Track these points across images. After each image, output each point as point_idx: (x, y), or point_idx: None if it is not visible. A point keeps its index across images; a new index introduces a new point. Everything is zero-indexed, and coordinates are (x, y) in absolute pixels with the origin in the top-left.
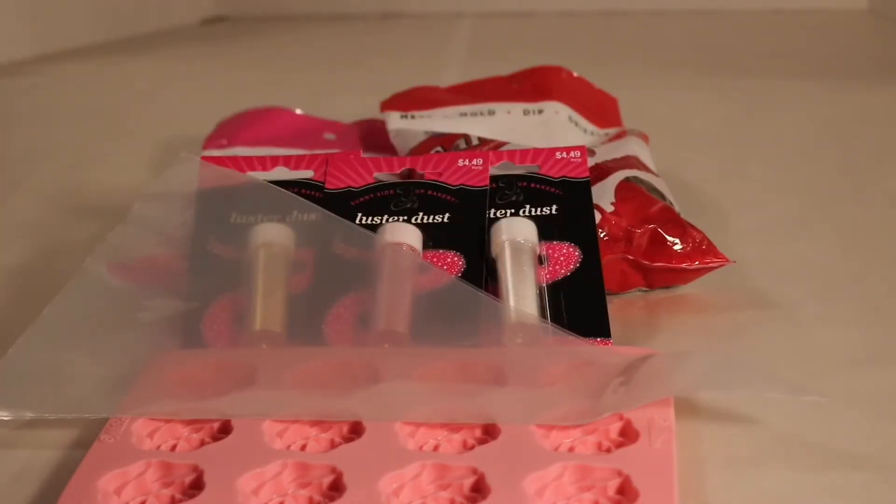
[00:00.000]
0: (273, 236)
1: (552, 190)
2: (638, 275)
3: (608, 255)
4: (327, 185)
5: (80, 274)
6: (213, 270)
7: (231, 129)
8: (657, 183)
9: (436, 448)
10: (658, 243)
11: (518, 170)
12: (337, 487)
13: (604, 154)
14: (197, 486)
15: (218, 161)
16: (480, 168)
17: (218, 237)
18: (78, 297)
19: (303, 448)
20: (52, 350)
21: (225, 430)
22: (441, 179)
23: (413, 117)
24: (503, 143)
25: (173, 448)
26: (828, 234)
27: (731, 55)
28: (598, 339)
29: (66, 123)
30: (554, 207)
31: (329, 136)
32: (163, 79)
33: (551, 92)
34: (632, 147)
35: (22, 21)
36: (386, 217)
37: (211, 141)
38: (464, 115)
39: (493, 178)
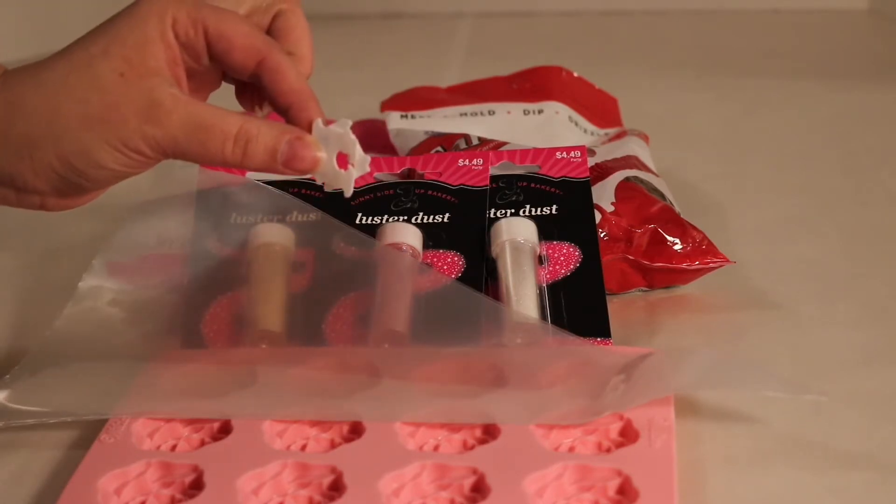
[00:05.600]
0: (273, 236)
1: (552, 190)
2: (638, 275)
3: (608, 255)
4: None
5: (87, 276)
6: (213, 270)
7: None
8: (657, 183)
9: (436, 448)
10: (658, 243)
11: (518, 170)
12: (337, 487)
13: (604, 154)
14: (197, 486)
15: None
16: (480, 168)
17: (218, 237)
18: (84, 304)
19: (303, 448)
20: (56, 356)
21: (225, 430)
22: (441, 179)
23: (413, 117)
24: (503, 143)
25: (173, 448)
26: (828, 234)
27: (731, 55)
28: (598, 339)
29: None
30: (554, 207)
31: None
32: None
33: (551, 92)
34: (632, 147)
35: (22, 21)
36: (386, 217)
37: None
38: (464, 115)
39: (494, 178)
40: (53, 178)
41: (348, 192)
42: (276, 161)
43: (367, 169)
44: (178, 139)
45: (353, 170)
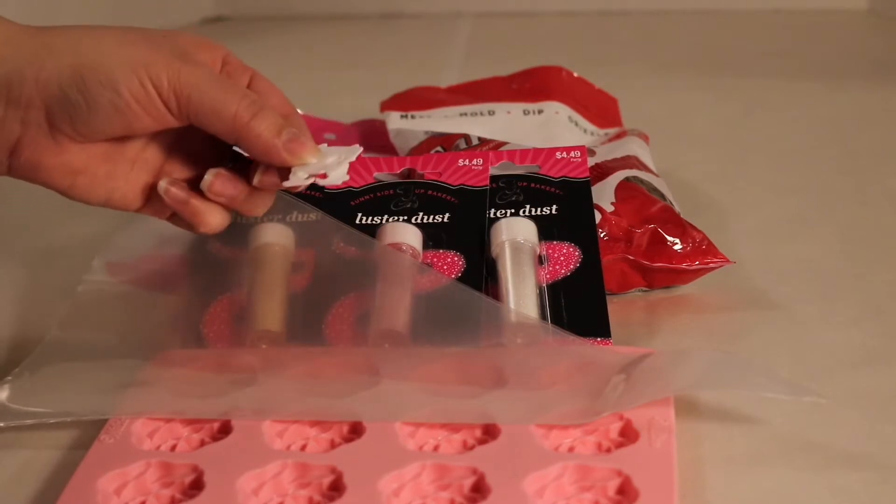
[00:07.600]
0: (273, 236)
1: (552, 190)
2: (638, 275)
3: (608, 255)
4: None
5: (87, 276)
6: (213, 270)
7: None
8: (657, 183)
9: (436, 448)
10: (658, 243)
11: (518, 170)
12: (337, 487)
13: (604, 154)
14: (197, 486)
15: None
16: (480, 168)
17: (218, 237)
18: (85, 303)
19: (303, 448)
20: (56, 356)
21: (225, 430)
22: (441, 179)
23: (413, 117)
24: (503, 143)
25: (173, 448)
26: (828, 234)
27: (731, 55)
28: (598, 339)
29: None
30: (554, 207)
31: (329, 136)
32: None
33: (551, 92)
34: (632, 147)
35: (21, 21)
36: (386, 217)
37: None
38: (464, 115)
39: (493, 178)
40: (51, 93)
41: (334, 180)
42: (279, 136)
43: (346, 177)
44: (200, 80)
45: (344, 160)
